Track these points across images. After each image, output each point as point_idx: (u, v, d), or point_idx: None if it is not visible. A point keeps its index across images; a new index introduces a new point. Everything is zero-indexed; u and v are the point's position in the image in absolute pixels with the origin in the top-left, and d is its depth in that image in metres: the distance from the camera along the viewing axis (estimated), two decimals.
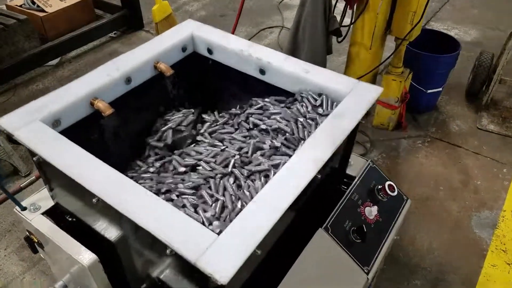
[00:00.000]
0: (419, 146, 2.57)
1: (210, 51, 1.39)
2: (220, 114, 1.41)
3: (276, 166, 1.09)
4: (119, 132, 1.21)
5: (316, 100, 1.20)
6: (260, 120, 1.24)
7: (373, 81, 2.60)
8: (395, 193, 1.36)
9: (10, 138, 1.00)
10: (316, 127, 1.14)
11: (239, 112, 1.33)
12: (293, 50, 2.39)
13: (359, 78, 2.06)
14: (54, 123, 1.07)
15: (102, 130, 1.18)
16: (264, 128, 1.21)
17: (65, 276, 1.21)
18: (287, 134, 1.17)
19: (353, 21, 2.31)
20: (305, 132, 1.17)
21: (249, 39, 3.37)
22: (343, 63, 2.64)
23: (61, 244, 1.12)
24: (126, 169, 1.26)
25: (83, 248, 1.10)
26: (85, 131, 1.15)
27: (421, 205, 2.19)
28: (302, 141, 1.15)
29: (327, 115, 1.12)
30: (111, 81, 1.17)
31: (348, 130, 1.04)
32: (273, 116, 1.23)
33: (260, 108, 1.28)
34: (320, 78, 1.20)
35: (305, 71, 1.21)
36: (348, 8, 2.33)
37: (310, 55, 2.32)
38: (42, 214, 1.22)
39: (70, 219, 1.23)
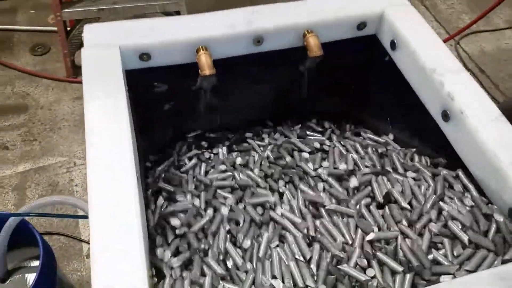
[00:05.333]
0: None
1: (394, 45, 0.91)
2: None
3: None
4: (212, 103, 0.91)
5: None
6: None
7: None
8: None
9: None
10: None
11: None
12: None
13: None
14: (142, 56, 0.83)
15: (198, 90, 0.91)
16: None
17: None
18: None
19: None
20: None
21: None
22: None
23: None
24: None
25: None
26: (175, 80, 0.89)
27: None
28: None
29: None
30: (234, 34, 0.85)
31: None
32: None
33: None
34: None
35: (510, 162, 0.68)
36: None
37: None
38: None
39: None
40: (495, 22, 3.15)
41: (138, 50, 0.82)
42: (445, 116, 0.79)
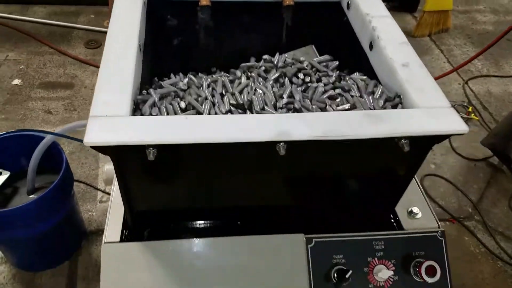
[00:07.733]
0: None
1: (348, 6, 1.20)
2: None
3: None
4: (208, 37, 1.22)
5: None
6: None
7: None
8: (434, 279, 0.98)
9: None
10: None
11: None
12: None
13: None
14: None
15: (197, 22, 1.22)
16: None
17: None
18: None
19: None
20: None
21: None
22: None
23: None
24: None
25: None
26: (184, 14, 1.21)
27: None
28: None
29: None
30: None
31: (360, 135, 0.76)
32: None
33: None
34: (409, 81, 0.90)
35: (403, 63, 0.93)
36: None
37: None
38: None
39: None
40: (505, 70, 3.36)
41: None
42: (371, 46, 1.05)
